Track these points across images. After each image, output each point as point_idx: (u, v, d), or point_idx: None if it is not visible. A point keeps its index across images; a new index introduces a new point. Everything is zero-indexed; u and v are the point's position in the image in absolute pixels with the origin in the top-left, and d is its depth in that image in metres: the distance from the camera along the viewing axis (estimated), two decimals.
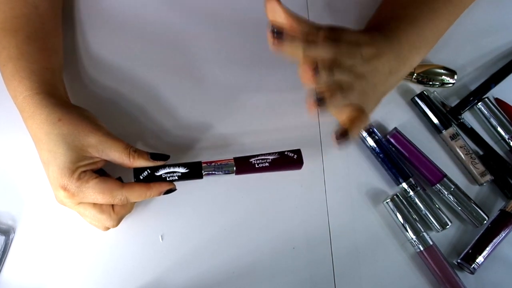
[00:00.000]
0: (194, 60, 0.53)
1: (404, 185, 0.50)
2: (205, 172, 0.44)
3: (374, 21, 0.46)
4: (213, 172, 0.44)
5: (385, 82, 0.43)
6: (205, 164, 0.44)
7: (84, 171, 0.41)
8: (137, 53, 0.52)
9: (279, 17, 0.37)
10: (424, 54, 0.46)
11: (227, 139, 0.51)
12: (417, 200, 0.50)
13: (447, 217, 0.50)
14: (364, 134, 0.51)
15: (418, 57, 0.45)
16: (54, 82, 0.44)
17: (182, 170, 0.44)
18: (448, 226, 0.50)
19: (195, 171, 0.44)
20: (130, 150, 0.42)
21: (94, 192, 0.41)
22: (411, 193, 0.50)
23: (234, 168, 0.45)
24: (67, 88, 0.46)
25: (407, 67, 0.44)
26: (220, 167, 0.44)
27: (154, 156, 0.43)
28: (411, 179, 0.50)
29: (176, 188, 0.44)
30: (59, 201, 0.42)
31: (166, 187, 0.44)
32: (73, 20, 0.52)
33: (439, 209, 0.50)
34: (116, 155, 0.41)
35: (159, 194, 0.44)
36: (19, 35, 0.43)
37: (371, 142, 0.51)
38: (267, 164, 0.45)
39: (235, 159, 0.45)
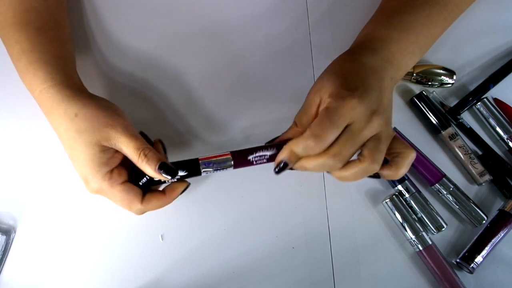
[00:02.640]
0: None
1: (400, 187, 0.51)
2: (203, 170, 0.43)
3: (366, 30, 0.46)
4: (211, 169, 0.43)
5: (391, 90, 0.43)
6: (202, 161, 0.43)
7: (110, 171, 0.41)
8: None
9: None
10: (418, 58, 0.45)
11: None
12: (412, 203, 0.50)
13: (443, 219, 0.50)
14: None
15: (411, 61, 0.45)
16: (68, 71, 0.43)
17: (181, 173, 0.43)
18: (443, 229, 0.50)
19: (193, 170, 0.43)
20: (141, 153, 0.40)
21: (115, 197, 0.41)
22: (407, 195, 0.50)
23: (232, 162, 0.43)
24: (85, 77, 0.46)
25: (402, 72, 0.45)
26: (217, 163, 0.43)
27: (161, 167, 0.40)
28: (406, 181, 0.51)
29: (190, 183, 0.44)
30: (90, 191, 0.42)
31: (180, 189, 0.43)
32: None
33: (435, 211, 0.50)
34: (128, 153, 0.41)
35: (176, 198, 0.43)
36: (29, 28, 0.43)
37: None
38: (264, 160, 0.44)
39: (232, 153, 0.43)
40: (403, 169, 0.42)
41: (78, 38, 0.51)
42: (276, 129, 0.45)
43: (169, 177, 0.41)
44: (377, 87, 0.40)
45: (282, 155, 0.41)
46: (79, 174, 0.41)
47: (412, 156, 0.42)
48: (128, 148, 0.40)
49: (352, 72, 0.40)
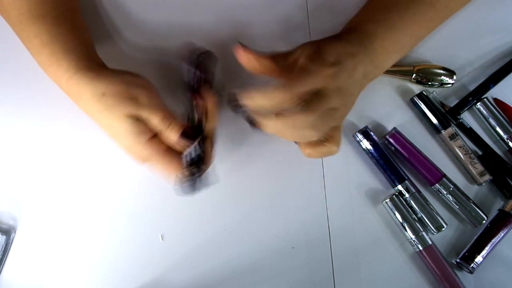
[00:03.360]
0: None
1: (400, 187, 0.51)
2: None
3: (354, 21, 0.46)
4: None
5: (360, 86, 0.43)
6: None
7: (151, 138, 0.42)
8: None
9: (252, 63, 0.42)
10: (397, 59, 0.46)
11: None
12: (412, 203, 0.50)
13: (443, 219, 0.50)
14: (360, 136, 0.51)
15: (391, 61, 0.45)
16: (90, 55, 0.44)
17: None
18: (443, 229, 0.50)
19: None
20: (166, 122, 0.42)
21: (161, 162, 0.43)
22: (407, 195, 0.50)
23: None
24: (105, 59, 0.46)
25: (379, 71, 0.45)
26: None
27: (183, 135, 0.42)
28: (406, 181, 0.50)
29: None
30: (139, 161, 0.44)
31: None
32: None
33: (435, 211, 0.50)
34: (155, 123, 0.42)
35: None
36: (47, 20, 0.43)
37: (366, 144, 0.51)
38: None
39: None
40: (313, 153, 0.44)
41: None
42: None
43: (192, 142, 0.43)
44: (350, 70, 0.41)
45: (244, 100, 0.41)
46: (124, 149, 0.43)
47: (332, 150, 0.44)
48: (155, 118, 0.42)
49: (334, 47, 0.42)
